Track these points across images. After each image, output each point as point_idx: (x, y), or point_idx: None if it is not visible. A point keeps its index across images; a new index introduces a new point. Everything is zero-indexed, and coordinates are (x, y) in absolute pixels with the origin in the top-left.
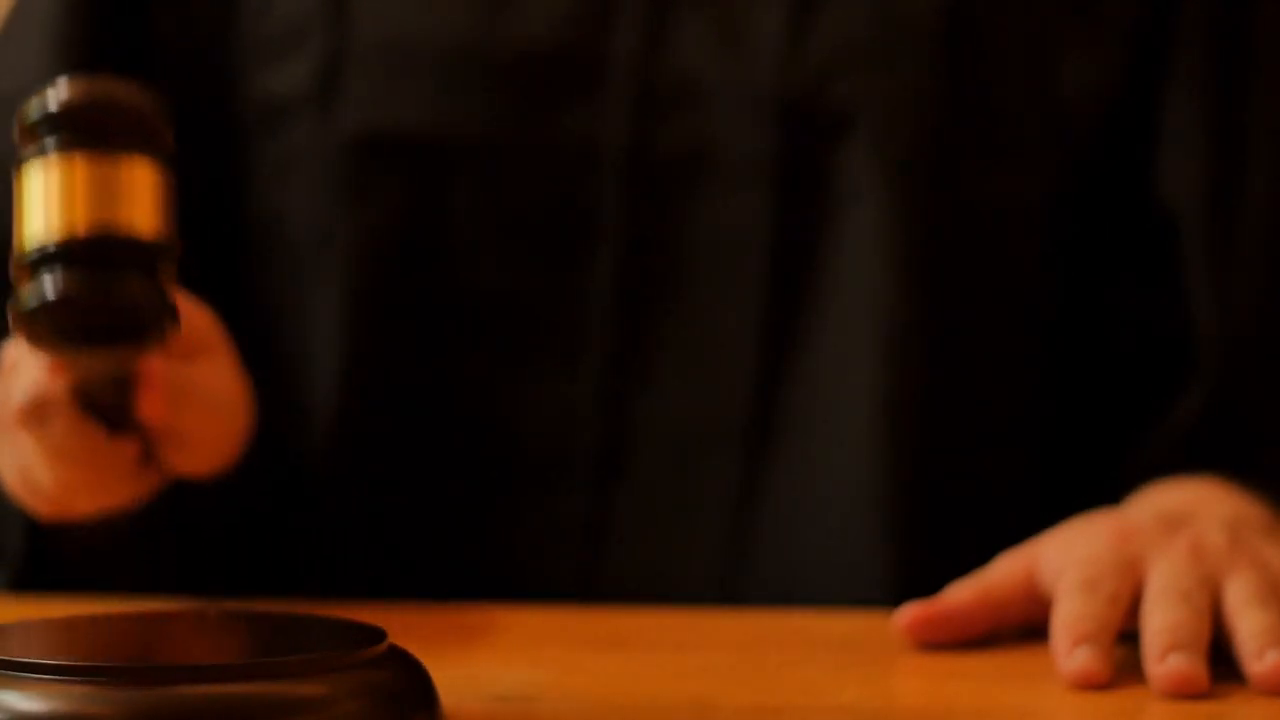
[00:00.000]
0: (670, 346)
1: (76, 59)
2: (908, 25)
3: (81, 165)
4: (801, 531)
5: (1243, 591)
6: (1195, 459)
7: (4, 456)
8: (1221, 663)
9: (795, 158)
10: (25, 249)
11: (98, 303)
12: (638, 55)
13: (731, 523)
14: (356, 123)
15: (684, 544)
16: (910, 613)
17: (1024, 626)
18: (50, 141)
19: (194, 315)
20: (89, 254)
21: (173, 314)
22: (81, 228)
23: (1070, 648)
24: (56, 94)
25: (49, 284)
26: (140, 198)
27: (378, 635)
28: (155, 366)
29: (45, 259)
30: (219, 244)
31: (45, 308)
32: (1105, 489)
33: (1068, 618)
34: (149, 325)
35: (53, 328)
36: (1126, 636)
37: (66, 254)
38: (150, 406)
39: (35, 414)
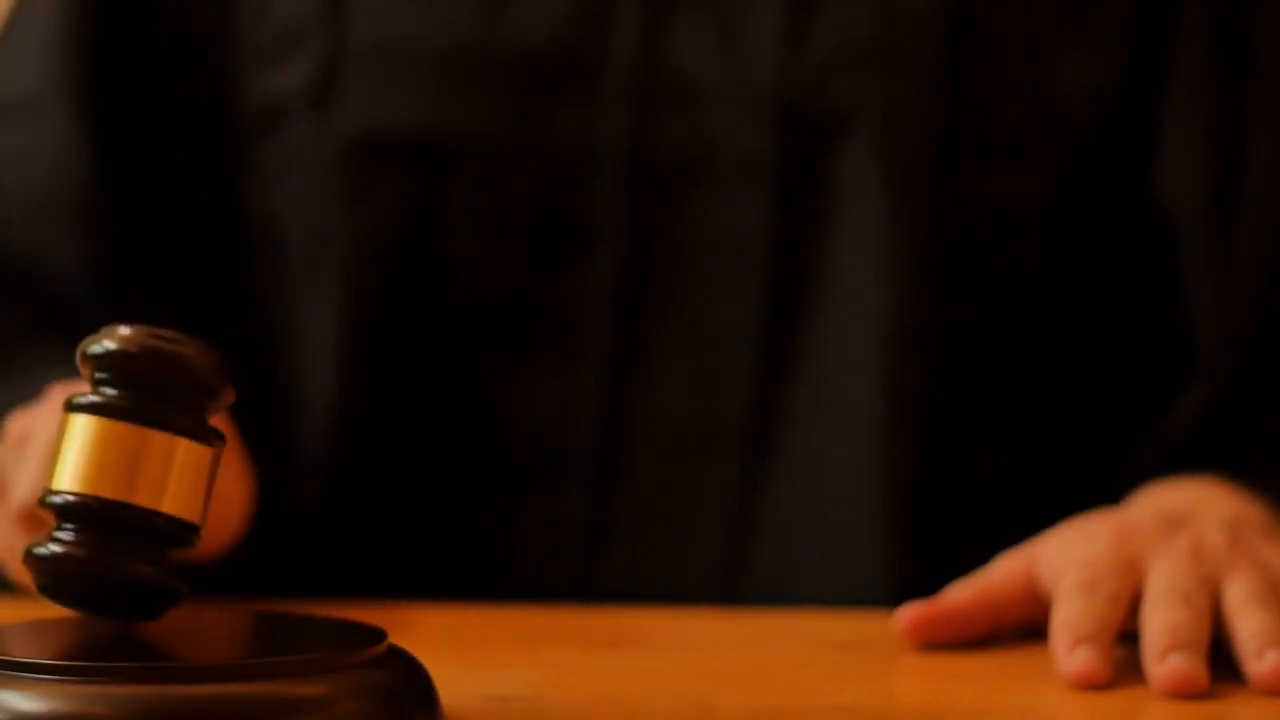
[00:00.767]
0: (670, 347)
1: (78, 62)
2: (907, 25)
3: (121, 434)
4: (801, 531)
5: (1242, 591)
6: (1195, 459)
7: (0, 525)
8: (1221, 663)
9: (794, 158)
10: (52, 486)
11: (98, 574)
12: (636, 56)
13: (732, 523)
14: (355, 124)
15: (684, 544)
16: (910, 613)
17: (1024, 626)
18: (99, 394)
19: None
20: (104, 522)
21: (174, 597)
22: (106, 492)
23: (1070, 648)
24: (119, 341)
25: (59, 539)
26: (175, 478)
27: (378, 635)
28: None
29: (64, 509)
30: (218, 245)
31: (52, 559)
32: (1105, 489)
33: (1068, 618)
34: (146, 606)
35: (54, 582)
36: (1126, 636)
37: (84, 514)
38: None
39: (31, 519)
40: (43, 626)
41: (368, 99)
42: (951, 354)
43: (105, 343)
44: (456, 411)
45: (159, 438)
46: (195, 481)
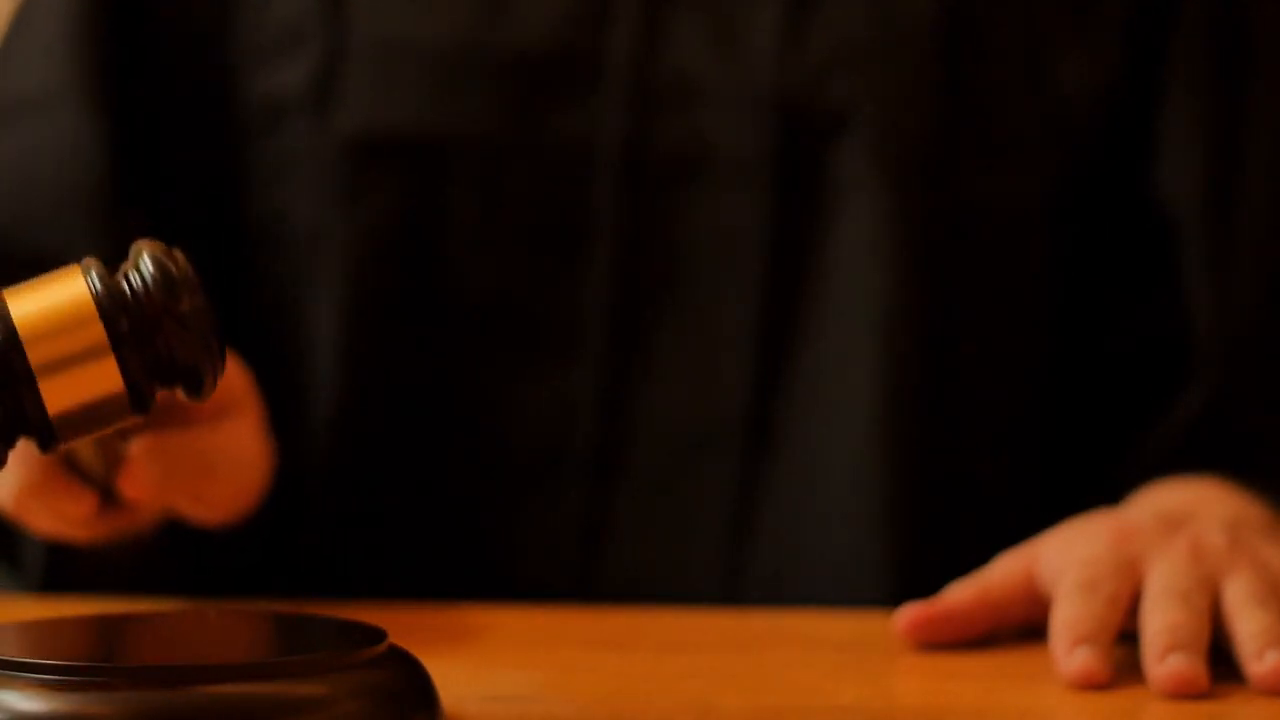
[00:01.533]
0: (668, 346)
1: (91, 58)
2: (905, 24)
3: (82, 318)
4: (801, 531)
5: (1242, 592)
6: (1195, 459)
7: None
8: (1221, 663)
9: (792, 157)
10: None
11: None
12: (634, 55)
13: (731, 522)
14: (354, 123)
15: (683, 544)
16: (910, 613)
17: (1024, 626)
18: (112, 278)
19: (229, 373)
20: None
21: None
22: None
23: (1070, 648)
24: (179, 272)
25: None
26: (81, 387)
27: (378, 635)
28: (141, 446)
29: None
30: (217, 244)
31: None
32: (1105, 489)
33: (1067, 618)
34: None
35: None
36: (1126, 636)
37: None
38: (133, 488)
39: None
40: (43, 626)
41: (367, 99)
42: (950, 353)
43: (168, 264)
44: (455, 411)
45: (107, 351)
46: (90, 402)
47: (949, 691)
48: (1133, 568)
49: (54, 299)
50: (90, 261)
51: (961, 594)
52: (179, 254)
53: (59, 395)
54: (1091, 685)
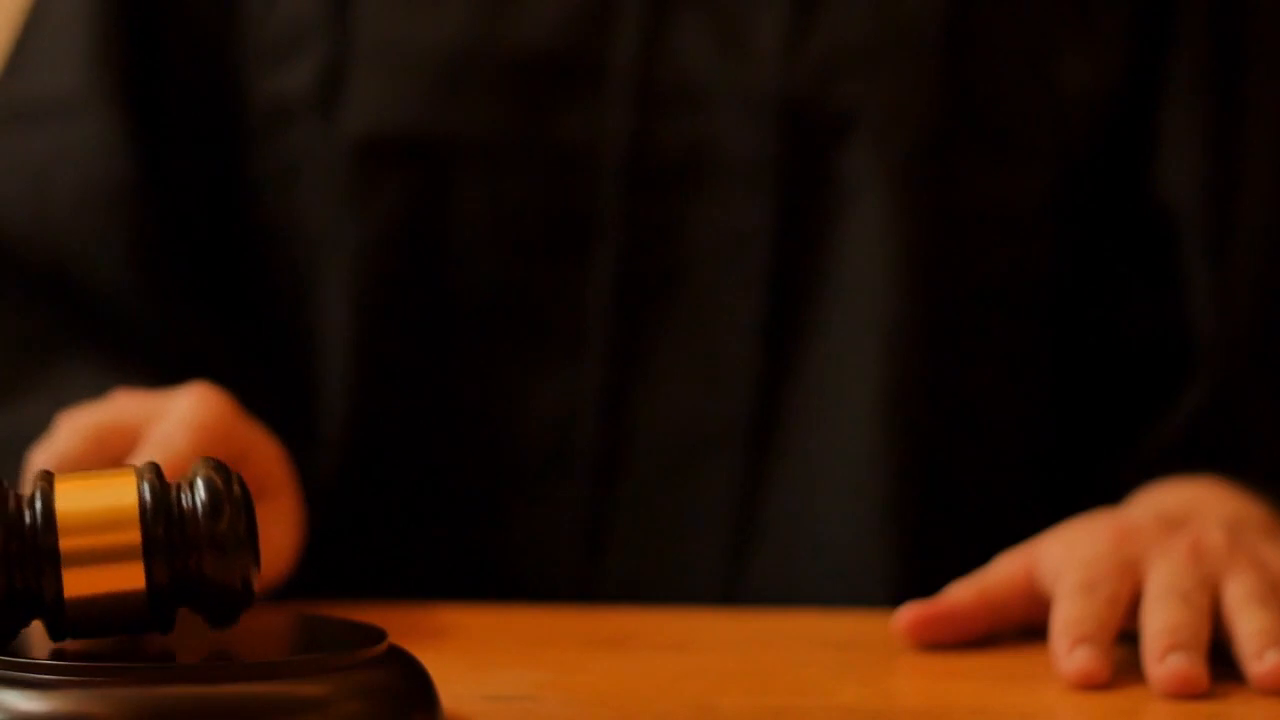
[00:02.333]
0: (671, 347)
1: (114, 60)
2: (908, 26)
3: (119, 519)
4: (802, 531)
5: (1242, 591)
6: (1195, 459)
7: None
8: (1221, 663)
9: (796, 159)
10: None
11: None
12: (638, 57)
13: (732, 523)
14: (359, 125)
15: (684, 544)
16: (910, 613)
17: (1024, 627)
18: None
19: (266, 456)
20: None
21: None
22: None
23: (1070, 648)
24: (229, 508)
25: None
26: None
27: (378, 635)
28: None
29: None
30: (224, 247)
31: None
32: (1105, 489)
33: (1067, 618)
34: None
35: None
36: (1126, 636)
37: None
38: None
39: None
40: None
41: (373, 100)
42: (952, 354)
43: (219, 487)
44: (459, 411)
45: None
46: (107, 597)
47: (949, 691)
48: (1133, 568)
49: (102, 494)
50: (148, 468)
51: (961, 594)
52: (237, 477)
53: (79, 584)
54: (1091, 685)
